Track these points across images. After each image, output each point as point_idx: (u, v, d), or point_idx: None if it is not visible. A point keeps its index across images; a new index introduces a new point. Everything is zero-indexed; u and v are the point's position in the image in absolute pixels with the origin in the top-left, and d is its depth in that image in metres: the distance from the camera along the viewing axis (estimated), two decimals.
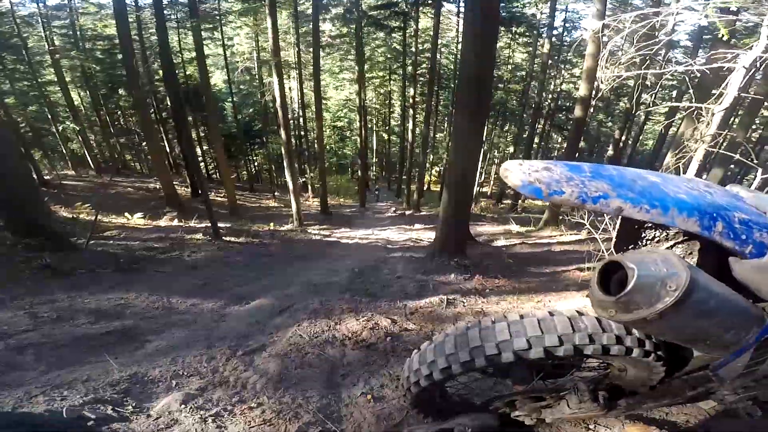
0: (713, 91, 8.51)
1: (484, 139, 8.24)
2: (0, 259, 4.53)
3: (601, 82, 3.57)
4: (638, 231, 0.94)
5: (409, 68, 19.69)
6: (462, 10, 18.89)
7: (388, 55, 22.61)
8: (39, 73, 19.57)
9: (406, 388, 1.30)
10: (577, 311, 1.06)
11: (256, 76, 22.46)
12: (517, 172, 0.73)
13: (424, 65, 19.96)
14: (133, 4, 16.96)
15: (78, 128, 19.32)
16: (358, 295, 4.05)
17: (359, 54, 17.79)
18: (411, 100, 19.83)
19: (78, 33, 20.04)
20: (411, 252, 7.53)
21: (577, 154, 16.54)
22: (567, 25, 21.49)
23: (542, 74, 19.03)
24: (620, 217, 0.81)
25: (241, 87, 24.49)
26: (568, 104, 21.25)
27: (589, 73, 9.97)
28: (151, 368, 2.37)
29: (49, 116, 19.06)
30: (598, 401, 1.19)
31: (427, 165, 22.39)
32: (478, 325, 1.12)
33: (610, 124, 22.85)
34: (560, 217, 10.23)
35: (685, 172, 3.46)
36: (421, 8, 18.14)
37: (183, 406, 1.96)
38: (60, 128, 19.15)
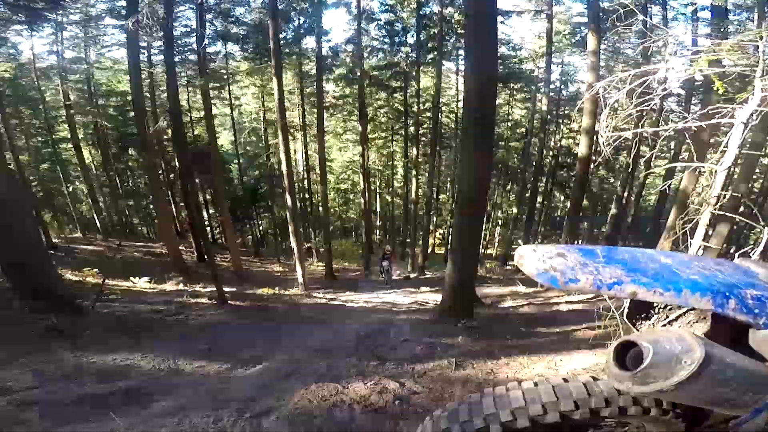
0: (711, 141, 8.65)
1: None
2: (7, 321, 4.55)
3: (603, 145, 3.58)
4: (650, 302, 0.97)
5: (411, 128, 19.86)
6: (461, 67, 19.30)
7: (390, 116, 22.45)
8: (53, 128, 19.33)
9: None
10: (592, 377, 1.06)
11: (262, 137, 22.50)
12: (532, 260, 0.74)
13: (426, 125, 20.21)
14: (146, 60, 16.57)
15: (87, 189, 19.24)
16: (365, 358, 3.98)
17: (362, 114, 18.01)
18: (413, 161, 19.89)
19: (92, 88, 19.61)
20: (417, 315, 7.43)
21: (580, 213, 16.39)
22: (564, 78, 21.45)
23: (542, 131, 19.15)
24: None
25: (248, 148, 24.25)
26: (568, 161, 20.79)
27: (589, 128, 10.03)
28: (157, 428, 2.33)
29: (61, 175, 18.96)
30: None
31: (431, 227, 22.37)
32: (492, 392, 1.11)
33: (612, 180, 22.03)
34: None
35: (692, 237, 3.36)
36: (421, 67, 18.62)
37: None
38: (70, 189, 19.04)
